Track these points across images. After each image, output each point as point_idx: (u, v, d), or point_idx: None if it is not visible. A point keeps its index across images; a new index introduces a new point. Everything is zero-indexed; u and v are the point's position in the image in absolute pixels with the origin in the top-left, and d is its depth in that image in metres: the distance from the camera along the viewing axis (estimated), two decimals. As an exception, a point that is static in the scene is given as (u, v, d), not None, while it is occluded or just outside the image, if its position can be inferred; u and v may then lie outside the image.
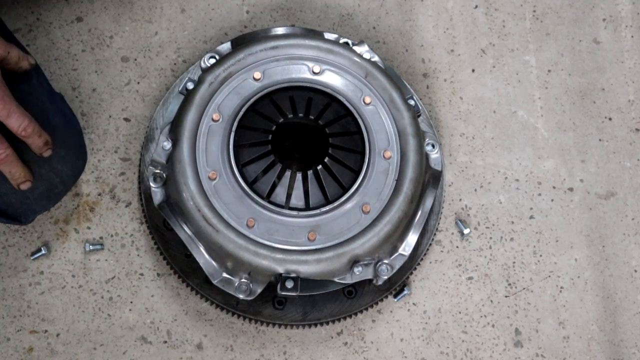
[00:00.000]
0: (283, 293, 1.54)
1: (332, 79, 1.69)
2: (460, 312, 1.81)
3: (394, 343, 1.78)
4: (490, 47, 2.00)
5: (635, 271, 1.86)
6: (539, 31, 2.01)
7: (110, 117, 1.89)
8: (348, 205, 1.60)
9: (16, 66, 1.50)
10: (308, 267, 1.55)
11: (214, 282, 1.58)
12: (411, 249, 1.63)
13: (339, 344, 1.78)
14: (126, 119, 1.89)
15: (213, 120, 1.63)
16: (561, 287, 1.84)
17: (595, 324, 1.82)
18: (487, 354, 1.79)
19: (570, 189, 1.91)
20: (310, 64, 1.69)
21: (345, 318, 1.75)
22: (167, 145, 1.61)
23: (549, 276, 1.85)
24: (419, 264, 1.79)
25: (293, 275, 1.54)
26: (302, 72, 1.69)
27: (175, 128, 1.63)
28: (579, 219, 1.89)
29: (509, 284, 1.83)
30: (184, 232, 1.57)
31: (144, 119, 1.88)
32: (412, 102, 1.70)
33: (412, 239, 1.63)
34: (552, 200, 1.89)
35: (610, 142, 1.94)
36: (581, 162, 1.93)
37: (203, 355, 1.75)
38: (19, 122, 1.43)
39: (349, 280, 1.58)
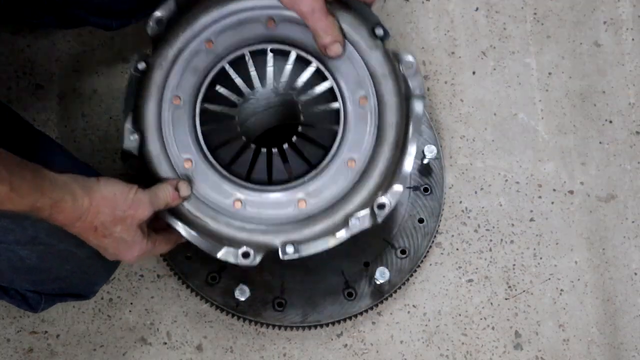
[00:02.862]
0: (286, 258, 1.49)
1: (289, 31, 1.55)
2: (460, 315, 1.81)
3: (393, 345, 1.79)
4: (491, 50, 2.00)
5: (636, 274, 1.86)
6: (540, 34, 2.01)
7: (110, 118, 1.89)
8: (333, 165, 1.51)
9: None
10: (304, 234, 1.50)
11: (216, 256, 1.50)
12: (406, 180, 1.53)
13: (339, 346, 1.78)
14: (127, 120, 1.89)
15: (174, 105, 1.52)
16: (561, 290, 1.84)
17: (595, 326, 1.82)
18: (487, 356, 1.79)
19: (571, 192, 1.91)
20: (263, 19, 1.55)
21: (345, 320, 1.75)
22: (134, 136, 1.51)
23: (549, 279, 1.85)
24: (419, 266, 1.79)
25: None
26: (256, 30, 1.55)
27: (138, 119, 1.53)
28: (579, 221, 1.89)
29: (509, 287, 1.83)
30: (176, 224, 1.50)
31: (144, 120, 1.88)
32: (379, 32, 1.54)
33: (399, 186, 1.52)
34: (553, 202, 1.90)
35: (611, 145, 1.94)
36: (581, 164, 1.93)
37: (203, 356, 1.75)
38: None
39: (346, 235, 1.51)
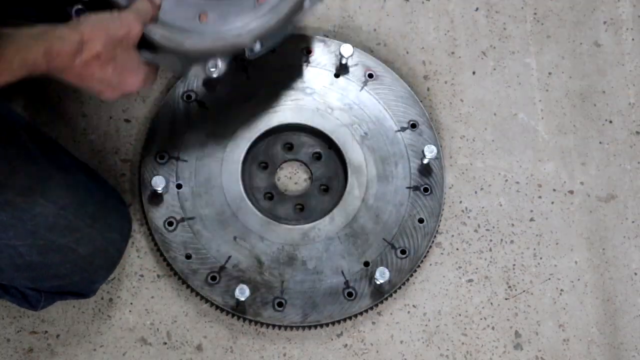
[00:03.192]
0: (251, 57, 1.55)
1: None
2: (460, 315, 1.81)
3: (393, 345, 1.79)
4: (491, 50, 2.00)
5: (635, 274, 1.86)
6: (540, 34, 2.01)
7: (110, 118, 1.89)
8: None
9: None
10: (269, 22, 1.55)
11: (188, 75, 1.57)
12: None
13: (339, 346, 1.78)
14: (127, 120, 1.89)
15: None
16: (561, 290, 1.84)
17: (595, 326, 1.82)
18: (487, 356, 1.79)
19: (571, 192, 1.91)
20: None
21: (345, 320, 1.75)
22: None
23: (549, 279, 1.85)
24: (419, 266, 1.79)
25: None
26: None
27: None
28: (579, 221, 1.89)
29: (509, 287, 1.83)
30: (148, 52, 1.50)
31: (144, 120, 1.89)
32: None
33: None
34: (553, 202, 1.90)
35: (611, 145, 1.94)
36: (581, 164, 1.93)
37: (203, 356, 1.75)
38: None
39: (302, 17, 1.58)
